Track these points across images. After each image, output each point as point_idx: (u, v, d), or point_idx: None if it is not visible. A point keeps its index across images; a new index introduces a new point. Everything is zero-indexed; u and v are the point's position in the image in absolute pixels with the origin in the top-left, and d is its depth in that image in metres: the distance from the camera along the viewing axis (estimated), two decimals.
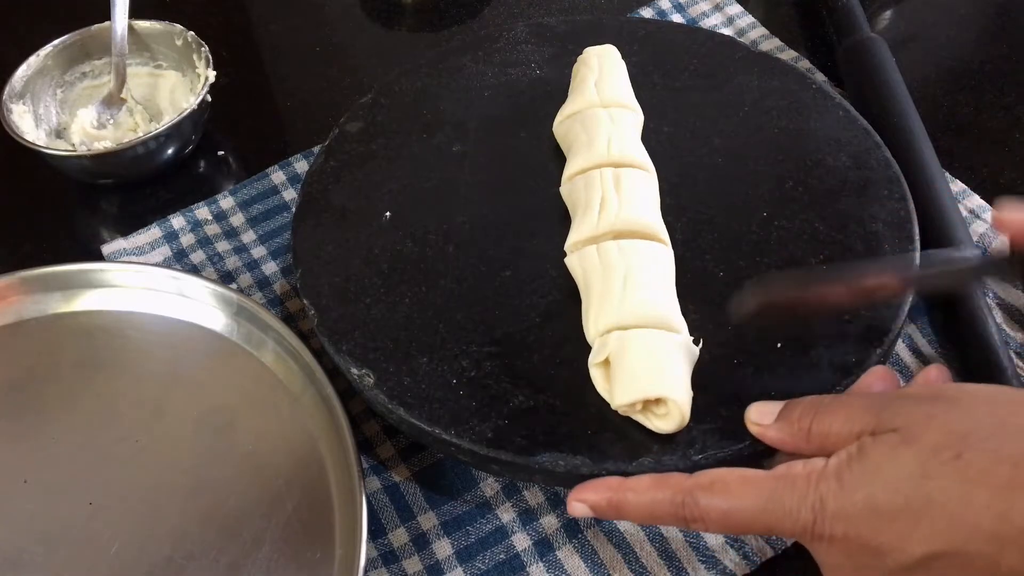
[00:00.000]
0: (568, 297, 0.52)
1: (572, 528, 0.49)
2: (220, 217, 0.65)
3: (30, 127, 0.66)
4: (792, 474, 0.38)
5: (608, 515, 0.43)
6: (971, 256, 0.53)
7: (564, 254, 0.53)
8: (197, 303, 0.57)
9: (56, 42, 0.69)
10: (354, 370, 0.50)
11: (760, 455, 0.45)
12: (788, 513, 0.37)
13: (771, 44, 0.72)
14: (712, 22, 0.75)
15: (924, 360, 0.54)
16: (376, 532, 0.50)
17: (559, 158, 0.59)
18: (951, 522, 0.34)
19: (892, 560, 0.35)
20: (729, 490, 0.39)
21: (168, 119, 0.65)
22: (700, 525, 0.39)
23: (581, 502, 0.43)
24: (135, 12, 0.69)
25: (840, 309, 0.49)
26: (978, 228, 0.58)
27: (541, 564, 0.48)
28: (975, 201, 0.60)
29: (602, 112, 0.57)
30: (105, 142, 0.67)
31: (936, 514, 0.34)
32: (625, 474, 0.44)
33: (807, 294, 0.44)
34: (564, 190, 0.56)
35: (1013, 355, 0.52)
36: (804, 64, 0.70)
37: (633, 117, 0.58)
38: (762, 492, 0.38)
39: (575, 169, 0.55)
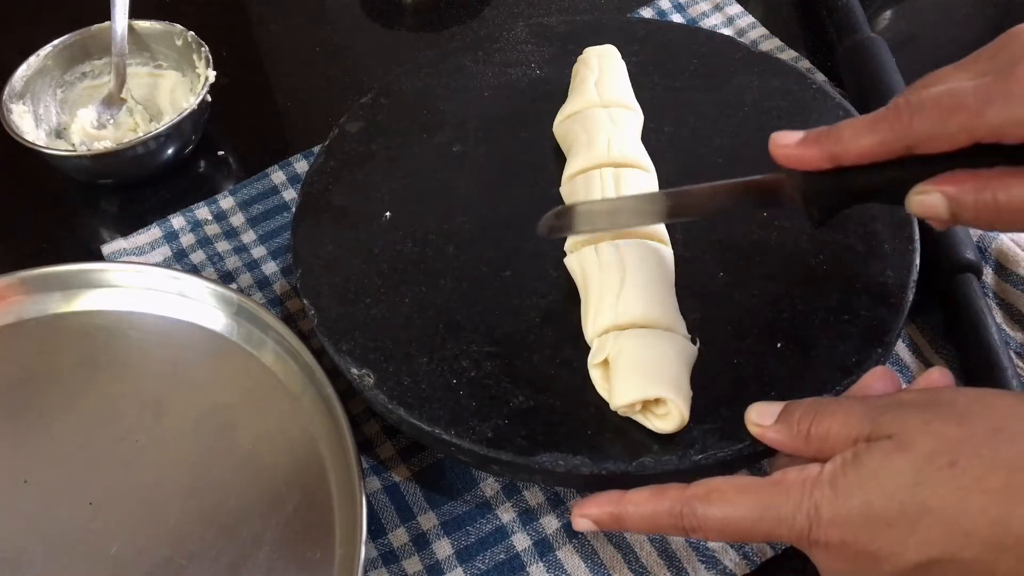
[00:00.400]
0: (568, 297, 0.52)
1: (572, 528, 0.49)
2: (220, 217, 0.65)
3: (30, 127, 0.66)
4: (787, 481, 0.38)
5: (611, 528, 0.43)
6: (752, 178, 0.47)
7: (564, 254, 0.53)
8: (197, 303, 0.57)
9: (56, 42, 0.69)
10: (354, 370, 0.50)
11: (760, 455, 0.45)
12: (783, 520, 0.37)
13: (771, 44, 0.72)
14: (712, 22, 0.75)
15: (924, 360, 0.54)
16: (376, 532, 0.50)
17: (559, 158, 0.59)
18: (947, 529, 0.34)
19: (889, 565, 0.35)
20: (725, 499, 0.39)
21: (168, 119, 0.65)
22: (700, 534, 0.40)
23: (584, 517, 0.43)
24: (135, 12, 0.69)
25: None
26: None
27: (541, 564, 0.48)
28: None
29: (602, 112, 0.57)
30: (105, 142, 0.67)
31: (931, 521, 0.34)
32: (625, 474, 0.45)
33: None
34: (564, 190, 0.56)
35: (1013, 355, 0.52)
36: (804, 64, 0.70)
37: (633, 117, 0.58)
38: (758, 500, 0.38)
39: (575, 169, 0.55)
